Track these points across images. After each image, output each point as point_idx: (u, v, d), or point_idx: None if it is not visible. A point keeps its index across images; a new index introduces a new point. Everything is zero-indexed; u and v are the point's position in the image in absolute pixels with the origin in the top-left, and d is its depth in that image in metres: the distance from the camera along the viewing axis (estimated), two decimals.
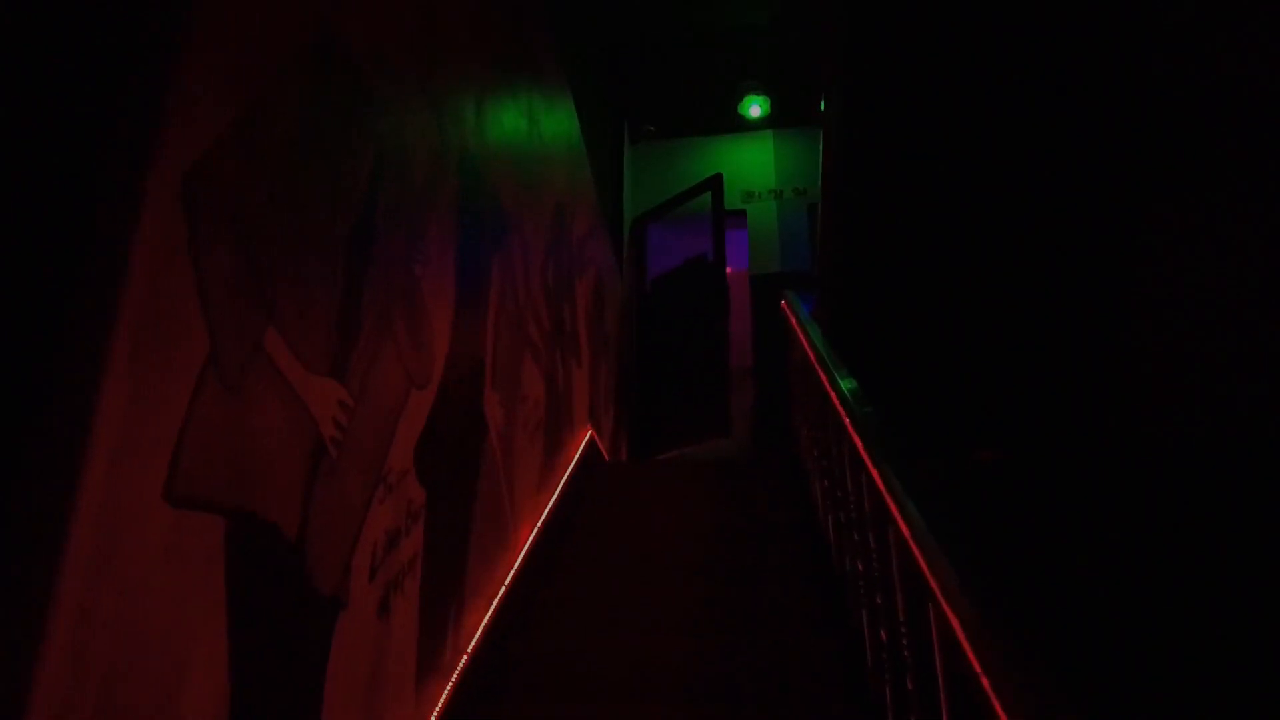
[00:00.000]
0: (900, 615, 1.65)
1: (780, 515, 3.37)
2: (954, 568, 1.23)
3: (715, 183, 6.11)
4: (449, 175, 2.18)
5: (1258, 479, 2.70)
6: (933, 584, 1.28)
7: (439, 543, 2.00)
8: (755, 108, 6.63)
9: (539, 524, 3.03)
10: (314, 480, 1.41)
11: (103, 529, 0.92)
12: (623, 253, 6.41)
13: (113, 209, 0.98)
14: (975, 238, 3.17)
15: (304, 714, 1.35)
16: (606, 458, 4.76)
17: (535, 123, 3.33)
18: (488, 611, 2.34)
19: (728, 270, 6.21)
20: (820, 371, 2.71)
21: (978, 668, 1.08)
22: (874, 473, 1.77)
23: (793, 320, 3.73)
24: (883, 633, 1.88)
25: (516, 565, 2.66)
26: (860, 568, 2.16)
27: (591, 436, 4.31)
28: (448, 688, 1.99)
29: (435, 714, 1.90)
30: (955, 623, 1.17)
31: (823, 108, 3.46)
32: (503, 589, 2.49)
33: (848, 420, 2.14)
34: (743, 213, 6.77)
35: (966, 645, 1.11)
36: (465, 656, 2.12)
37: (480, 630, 2.25)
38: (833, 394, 2.42)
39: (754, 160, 6.85)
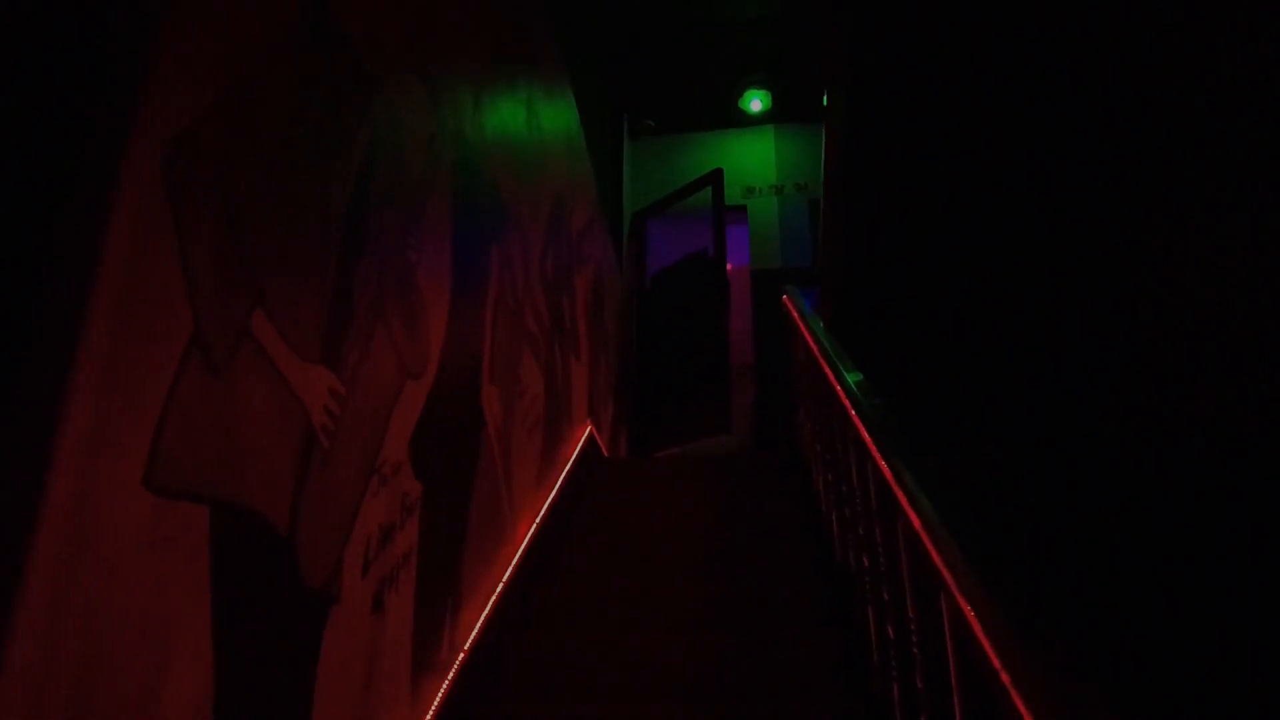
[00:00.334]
0: (910, 611, 1.60)
1: (782, 511, 3.33)
2: (970, 560, 1.19)
3: (716, 178, 6.07)
4: (446, 162, 2.13)
5: (1262, 472, 2.66)
6: (947, 577, 1.23)
7: (435, 537, 1.95)
8: (756, 102, 6.58)
9: (538, 520, 2.98)
10: (304, 470, 1.36)
11: (76, 517, 0.87)
12: (622, 248, 6.37)
13: (89, 179, 0.93)
14: (980, 232, 3.12)
15: (293, 712, 1.30)
16: (606, 454, 4.71)
17: (534, 114, 3.28)
18: (485, 608, 2.29)
19: (728, 266, 6.16)
20: (825, 365, 2.67)
21: (997, 663, 1.03)
22: (882, 465, 1.73)
23: (795, 315, 3.68)
24: (890, 629, 1.83)
25: (515, 561, 2.61)
26: (866, 563, 2.12)
27: (591, 432, 4.27)
28: (444, 685, 1.94)
29: (431, 712, 1.85)
30: (972, 617, 1.12)
31: (825, 102, 3.41)
32: (501, 585, 2.45)
33: (854, 413, 2.10)
34: (743, 208, 6.72)
35: (985, 640, 1.07)
36: (462, 654, 2.08)
37: (478, 627, 2.20)
38: (838, 387, 2.37)
39: (755, 155, 6.80)
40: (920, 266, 3.20)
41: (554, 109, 3.72)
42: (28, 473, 0.83)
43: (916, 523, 1.42)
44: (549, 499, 3.20)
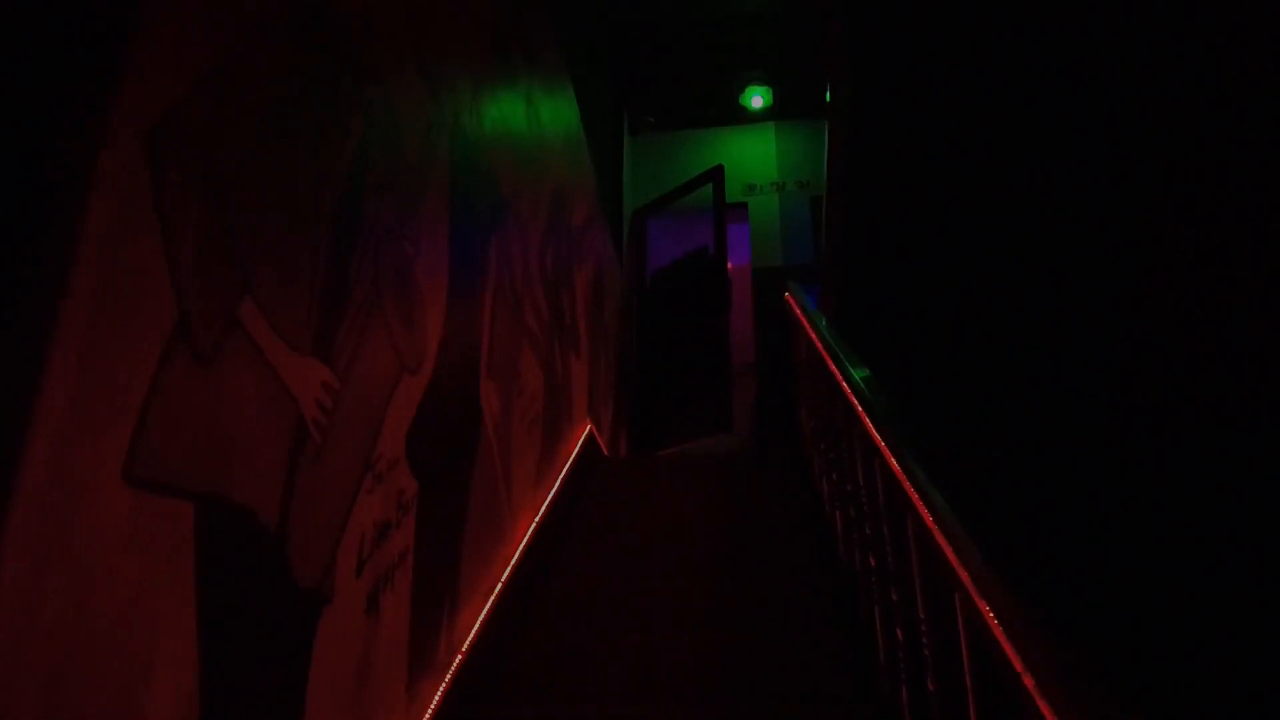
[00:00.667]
0: (920, 611, 1.56)
1: (783, 510, 3.28)
2: (990, 560, 1.14)
3: (716, 174, 6.02)
4: (443, 153, 2.08)
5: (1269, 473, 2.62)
6: (964, 577, 1.19)
7: (432, 536, 1.90)
8: (757, 98, 6.53)
9: (537, 518, 2.93)
10: (295, 466, 1.31)
11: (48, 512, 0.82)
12: (623, 246, 6.32)
13: (66, 155, 0.88)
14: (986, 226, 3.08)
15: (285, 717, 1.25)
16: (606, 452, 4.67)
17: (534, 108, 3.24)
18: (484, 608, 2.25)
19: (729, 265, 6.12)
20: (829, 362, 2.62)
21: (1019, 666, 0.98)
22: (891, 462, 1.68)
23: (798, 312, 3.64)
24: (898, 629, 1.79)
25: (514, 560, 2.56)
26: (872, 562, 2.08)
27: (591, 431, 4.22)
28: (442, 687, 1.89)
29: (429, 715, 1.80)
30: (991, 619, 1.08)
31: (828, 98, 3.36)
32: (499, 584, 2.40)
33: (861, 409, 2.05)
34: (744, 206, 6.67)
35: (1005, 641, 1.02)
36: (460, 655, 2.03)
37: (476, 627, 2.15)
38: (844, 383, 2.33)
39: (756, 152, 6.75)
40: (925, 261, 3.16)
41: (553, 103, 3.67)
42: None
43: (929, 521, 1.37)
44: (549, 497, 3.15)
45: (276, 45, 1.29)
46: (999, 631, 1.05)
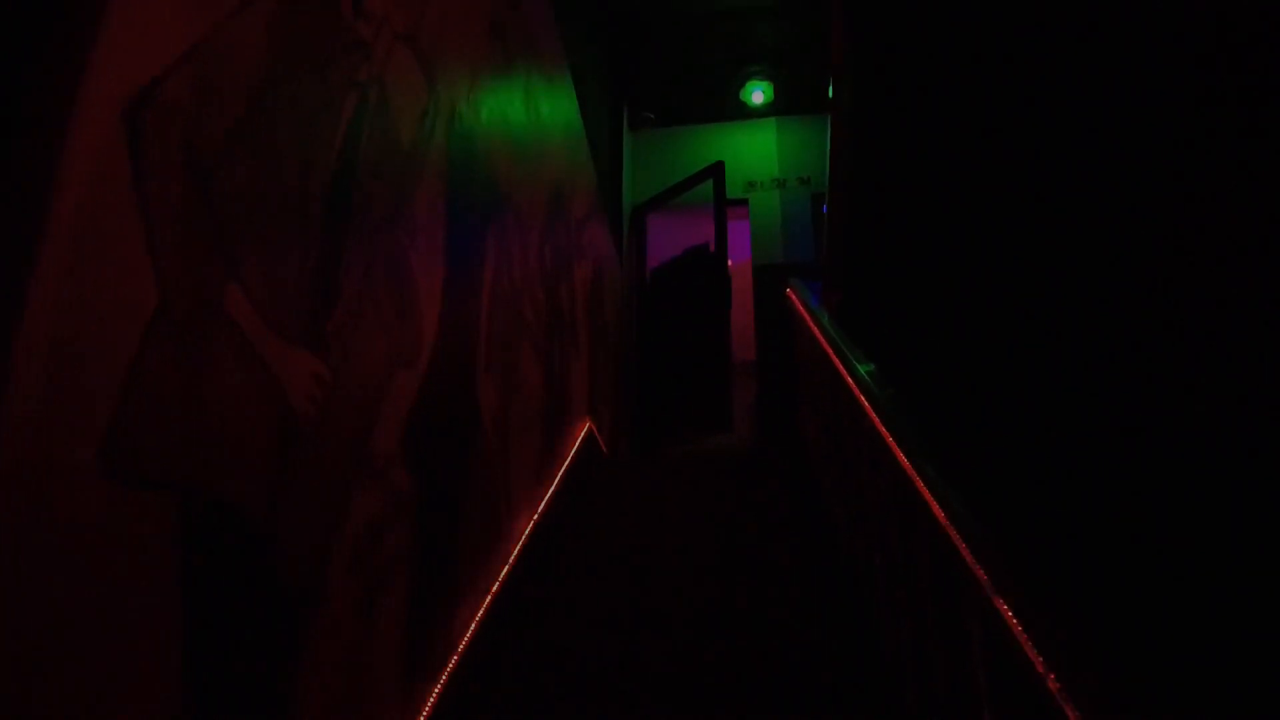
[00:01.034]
0: (931, 611, 1.51)
1: (785, 509, 3.24)
2: (1006, 556, 1.10)
3: (717, 170, 5.97)
4: (439, 140, 2.03)
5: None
6: (979, 574, 1.14)
7: (428, 534, 1.85)
8: (758, 94, 6.47)
9: (536, 517, 2.88)
10: (285, 461, 1.27)
11: (18, 506, 0.77)
12: (622, 243, 6.27)
13: (37, 128, 0.83)
14: (995, 222, 3.03)
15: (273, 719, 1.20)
16: (605, 451, 4.62)
17: (532, 99, 3.19)
18: (481, 608, 2.20)
19: (729, 262, 6.07)
20: (833, 357, 2.58)
21: (1041, 667, 0.94)
22: (901, 459, 1.64)
23: (800, 308, 3.60)
24: (906, 630, 1.74)
25: (512, 560, 2.51)
26: (878, 562, 2.03)
27: (590, 429, 4.17)
28: (437, 690, 1.84)
29: (423, 718, 1.75)
30: (1010, 617, 1.03)
31: (830, 93, 3.31)
32: (497, 584, 2.35)
33: (867, 404, 2.01)
34: (745, 202, 6.63)
35: (1026, 641, 0.97)
36: (456, 657, 1.98)
37: (473, 628, 2.10)
38: (848, 379, 2.28)
39: (756, 148, 6.70)
40: (930, 255, 3.11)
41: (553, 96, 3.62)
42: None
43: (942, 518, 1.33)
44: (548, 496, 3.11)
45: (264, 21, 1.24)
46: (1019, 632, 1.00)
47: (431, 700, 1.80)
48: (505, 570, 2.44)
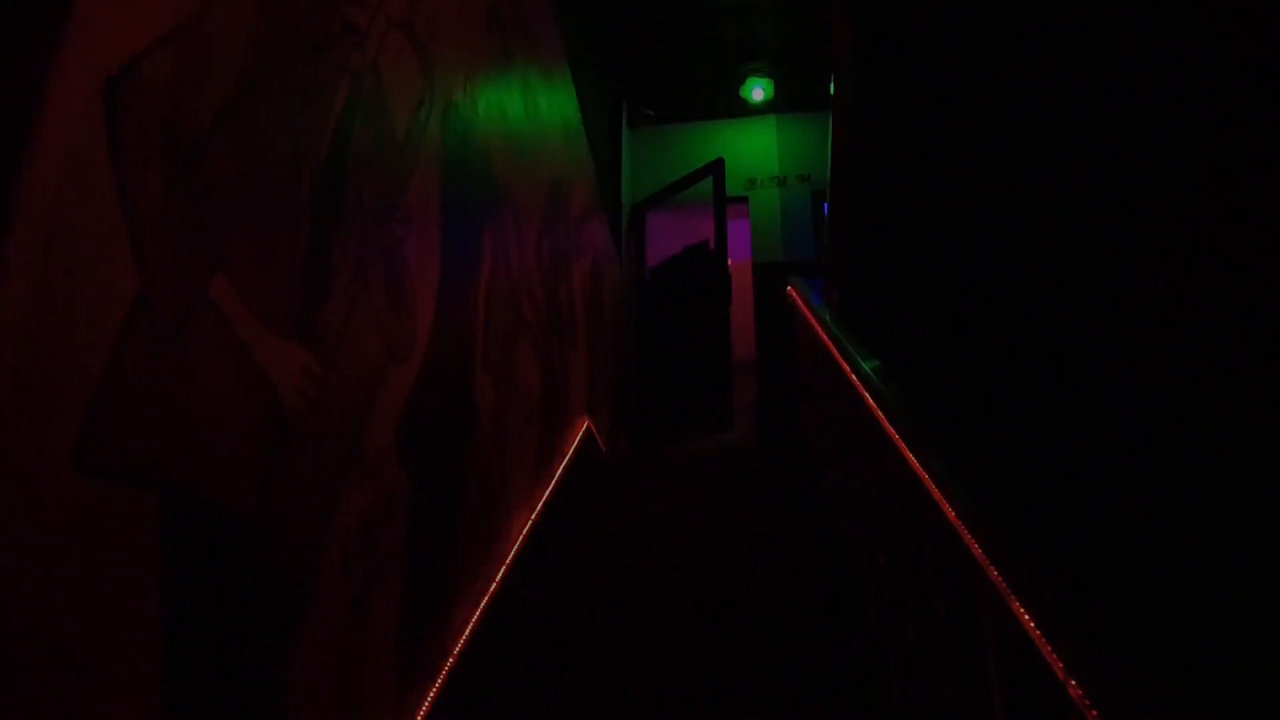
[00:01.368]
0: (939, 613, 1.47)
1: (786, 509, 3.20)
2: (1021, 557, 1.06)
3: (716, 168, 5.93)
4: (435, 131, 1.99)
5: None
6: (993, 574, 1.10)
7: (423, 533, 1.81)
8: (758, 91, 6.43)
9: (534, 517, 2.84)
10: (274, 456, 1.22)
11: None
12: (621, 240, 6.23)
13: (7, 98, 0.79)
14: (1003, 222, 2.99)
15: None
16: (604, 449, 4.58)
17: (531, 92, 3.14)
18: (478, 610, 2.15)
19: (729, 260, 6.03)
20: (836, 353, 2.54)
21: (1061, 673, 0.90)
22: (907, 455, 1.60)
23: (801, 306, 3.56)
24: (911, 633, 1.70)
25: (509, 560, 2.47)
26: (882, 562, 1.99)
27: (589, 427, 4.13)
28: (432, 693, 1.80)
29: None
30: (1026, 620, 0.99)
31: (831, 90, 3.27)
32: (494, 585, 2.31)
33: (872, 401, 1.97)
34: (745, 200, 6.58)
35: (1045, 646, 0.93)
36: (452, 659, 1.93)
37: (469, 630, 2.06)
38: (852, 376, 2.24)
39: (757, 146, 6.65)
40: (933, 251, 3.07)
41: (551, 90, 3.58)
42: None
43: (952, 517, 1.29)
44: (546, 495, 3.06)
45: (253, 2, 1.19)
46: (1037, 635, 0.96)
47: (426, 705, 1.76)
48: (502, 571, 2.40)
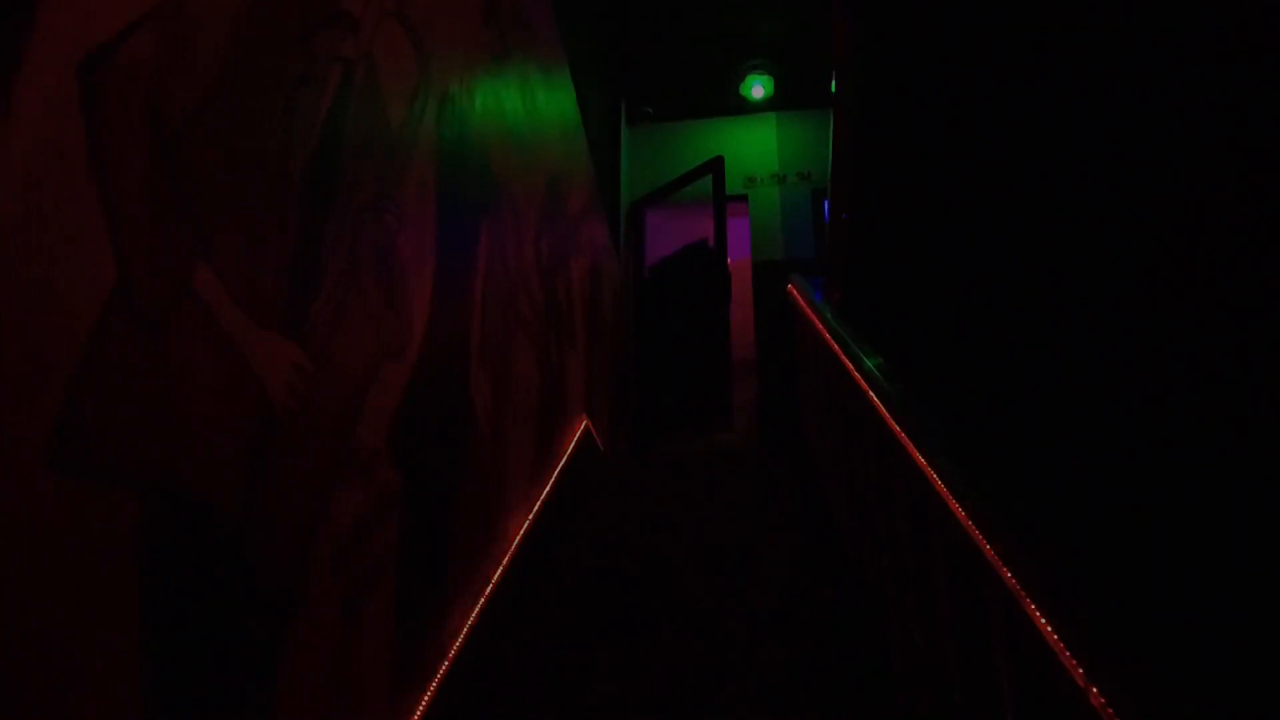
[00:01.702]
0: (947, 616, 1.43)
1: (786, 509, 3.16)
2: (1037, 557, 1.02)
3: (716, 165, 5.89)
4: (430, 123, 1.95)
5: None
6: (1005, 576, 1.06)
7: (418, 533, 1.77)
8: (758, 88, 6.39)
9: (531, 517, 2.80)
10: (262, 455, 1.18)
11: None
12: (620, 238, 6.19)
13: None
14: (1004, 220, 2.96)
15: None
16: (603, 449, 4.54)
17: (529, 87, 3.11)
18: (473, 611, 2.11)
19: (729, 259, 5.99)
20: (839, 351, 2.50)
21: (1081, 681, 0.86)
22: (914, 453, 1.56)
23: (802, 303, 3.52)
24: (918, 637, 1.66)
25: (506, 561, 2.43)
26: (887, 563, 1.95)
27: (587, 427, 4.09)
28: (426, 698, 1.76)
29: None
30: (1042, 623, 0.95)
31: (832, 87, 3.24)
32: (490, 587, 2.26)
33: (876, 399, 1.93)
34: (744, 198, 6.54)
35: (1063, 651, 0.89)
36: (447, 663, 1.89)
37: (464, 633, 2.02)
38: (855, 373, 2.21)
39: (756, 143, 6.61)
40: (934, 249, 3.04)
41: (550, 85, 3.54)
42: None
43: (962, 516, 1.25)
44: (543, 495, 3.02)
45: None
46: (1054, 640, 0.92)
47: (421, 708, 1.72)
48: (499, 572, 2.36)
